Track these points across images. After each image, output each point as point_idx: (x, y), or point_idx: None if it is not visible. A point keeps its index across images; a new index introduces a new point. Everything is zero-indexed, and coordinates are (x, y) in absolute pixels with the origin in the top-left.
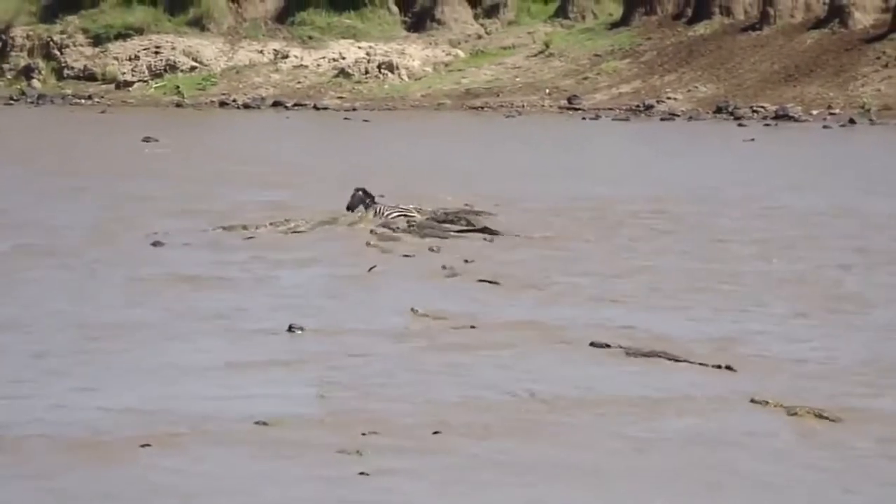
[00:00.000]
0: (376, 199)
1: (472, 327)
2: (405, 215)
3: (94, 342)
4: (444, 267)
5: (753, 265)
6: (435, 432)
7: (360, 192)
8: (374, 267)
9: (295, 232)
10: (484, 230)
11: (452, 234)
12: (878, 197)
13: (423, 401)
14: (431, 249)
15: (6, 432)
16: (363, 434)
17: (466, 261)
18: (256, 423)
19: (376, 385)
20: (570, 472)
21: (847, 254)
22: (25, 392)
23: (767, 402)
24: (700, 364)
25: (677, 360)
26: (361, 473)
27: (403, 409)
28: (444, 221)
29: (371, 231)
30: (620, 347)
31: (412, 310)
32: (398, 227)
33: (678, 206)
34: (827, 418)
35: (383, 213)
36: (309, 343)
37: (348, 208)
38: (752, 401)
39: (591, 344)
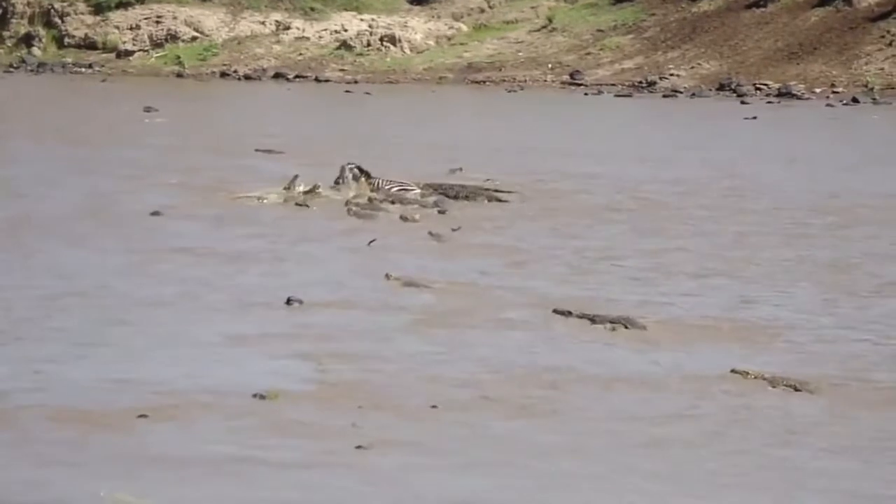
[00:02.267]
0: (371, 175)
1: (469, 298)
2: (405, 189)
3: (90, 314)
4: (430, 233)
5: (780, 251)
6: (433, 406)
7: (352, 167)
8: (374, 241)
9: (298, 204)
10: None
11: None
12: None
13: (422, 374)
14: (409, 219)
15: (4, 403)
16: (360, 407)
17: (454, 229)
18: (254, 395)
19: (374, 358)
20: (568, 449)
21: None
22: (23, 363)
23: (748, 374)
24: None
25: (632, 325)
26: (358, 447)
27: (401, 382)
28: (444, 195)
29: (346, 203)
30: (583, 316)
31: (386, 275)
32: (394, 200)
33: (697, 188)
34: (807, 390)
35: (382, 187)
36: (307, 316)
37: (336, 182)
38: (733, 371)
39: (554, 311)
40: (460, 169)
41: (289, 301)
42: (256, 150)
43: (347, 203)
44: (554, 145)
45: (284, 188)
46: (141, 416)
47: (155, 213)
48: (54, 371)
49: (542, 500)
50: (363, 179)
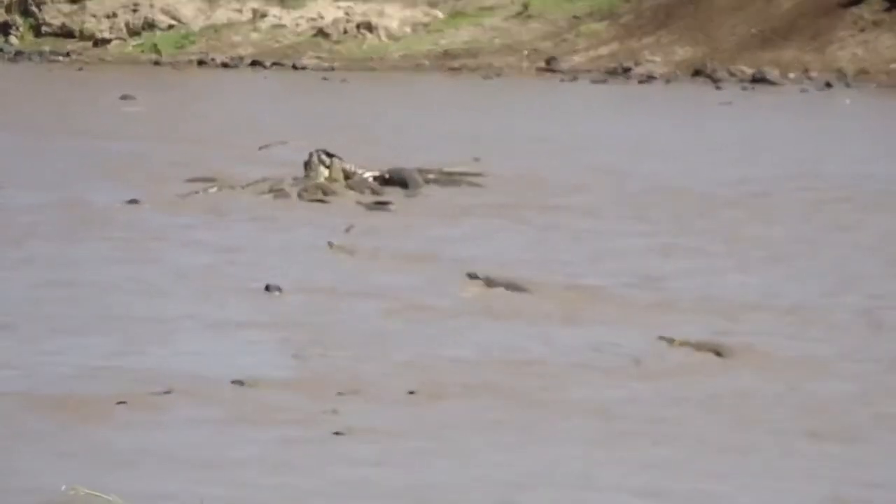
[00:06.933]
0: (342, 159)
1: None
2: (376, 176)
3: (68, 300)
4: (358, 202)
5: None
6: (410, 392)
7: (319, 153)
8: (351, 227)
9: (273, 191)
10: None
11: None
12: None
13: (400, 361)
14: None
15: None
16: (339, 394)
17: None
18: (233, 382)
19: (354, 345)
20: (544, 433)
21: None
22: (1, 350)
23: (674, 340)
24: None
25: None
26: (337, 433)
27: (380, 368)
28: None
29: (303, 189)
30: (487, 278)
31: (328, 243)
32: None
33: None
34: (714, 352)
35: (354, 172)
36: (286, 303)
37: (306, 170)
38: (661, 338)
39: (467, 274)
40: (478, 159)
41: (268, 288)
42: (230, 139)
43: (301, 190)
44: (546, 135)
45: (327, 175)
46: (120, 402)
47: (132, 202)
48: (30, 358)
49: (527, 485)
50: (336, 164)
